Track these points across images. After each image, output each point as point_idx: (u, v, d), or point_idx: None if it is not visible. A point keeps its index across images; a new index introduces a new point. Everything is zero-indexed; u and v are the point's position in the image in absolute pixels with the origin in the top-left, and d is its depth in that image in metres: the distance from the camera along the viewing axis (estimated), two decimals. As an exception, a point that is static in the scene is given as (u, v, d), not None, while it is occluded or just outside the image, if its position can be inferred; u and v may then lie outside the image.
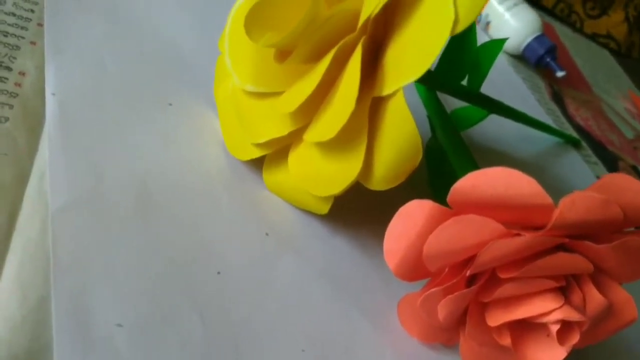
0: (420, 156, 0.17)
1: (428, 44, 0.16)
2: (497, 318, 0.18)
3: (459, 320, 0.20)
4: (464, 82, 0.29)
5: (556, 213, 0.16)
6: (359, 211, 0.24)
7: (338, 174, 0.19)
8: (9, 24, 0.22)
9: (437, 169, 0.26)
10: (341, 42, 0.18)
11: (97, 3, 0.25)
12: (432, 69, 0.28)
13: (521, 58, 0.47)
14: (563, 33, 0.62)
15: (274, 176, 0.22)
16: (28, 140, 0.19)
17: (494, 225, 0.16)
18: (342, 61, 0.18)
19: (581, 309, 0.18)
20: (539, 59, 0.46)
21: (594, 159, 0.42)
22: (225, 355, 0.17)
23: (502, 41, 0.27)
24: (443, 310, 0.18)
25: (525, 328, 0.18)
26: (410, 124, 0.17)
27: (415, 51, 0.16)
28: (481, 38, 0.48)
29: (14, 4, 0.23)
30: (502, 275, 0.17)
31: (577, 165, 0.39)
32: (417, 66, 0.16)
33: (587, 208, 0.16)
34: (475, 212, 0.17)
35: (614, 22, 0.67)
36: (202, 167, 0.22)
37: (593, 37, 0.67)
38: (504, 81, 0.44)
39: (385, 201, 0.20)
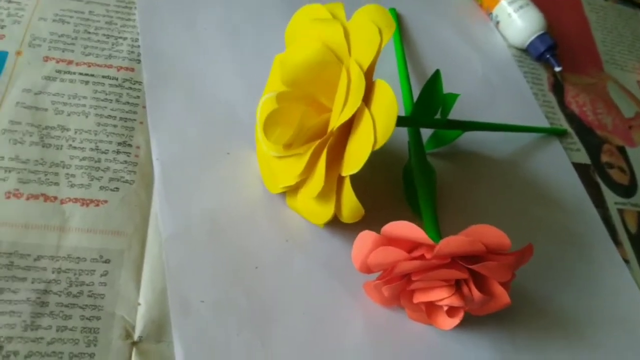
0: (361, 213, 0.30)
1: (361, 153, 0.28)
2: (417, 299, 0.31)
3: (399, 296, 0.32)
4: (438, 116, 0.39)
5: (437, 248, 0.28)
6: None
7: (321, 213, 0.32)
8: (126, 111, 0.36)
9: (409, 185, 0.38)
10: (318, 142, 0.30)
11: (179, 86, 0.38)
12: (410, 115, 0.39)
13: (526, 52, 0.55)
14: (590, 6, 0.66)
15: (292, 202, 0.35)
16: (147, 193, 0.33)
17: (401, 252, 0.29)
18: (321, 149, 0.30)
19: (469, 298, 0.30)
20: (540, 55, 0.53)
21: (578, 145, 0.50)
22: (260, 311, 0.31)
23: (456, 95, 0.37)
24: (386, 292, 0.31)
25: (433, 305, 0.31)
26: (352, 197, 0.29)
27: (355, 156, 0.28)
28: (494, 34, 0.56)
29: (127, 94, 0.37)
30: (413, 278, 0.30)
31: (556, 155, 0.48)
32: (355, 166, 0.28)
33: (458, 245, 0.28)
34: (394, 244, 0.29)
35: (652, -17, 0.70)
36: (248, 197, 0.35)
37: (630, 1, 0.70)
38: (505, 78, 0.53)
39: (369, 213, 0.32)
